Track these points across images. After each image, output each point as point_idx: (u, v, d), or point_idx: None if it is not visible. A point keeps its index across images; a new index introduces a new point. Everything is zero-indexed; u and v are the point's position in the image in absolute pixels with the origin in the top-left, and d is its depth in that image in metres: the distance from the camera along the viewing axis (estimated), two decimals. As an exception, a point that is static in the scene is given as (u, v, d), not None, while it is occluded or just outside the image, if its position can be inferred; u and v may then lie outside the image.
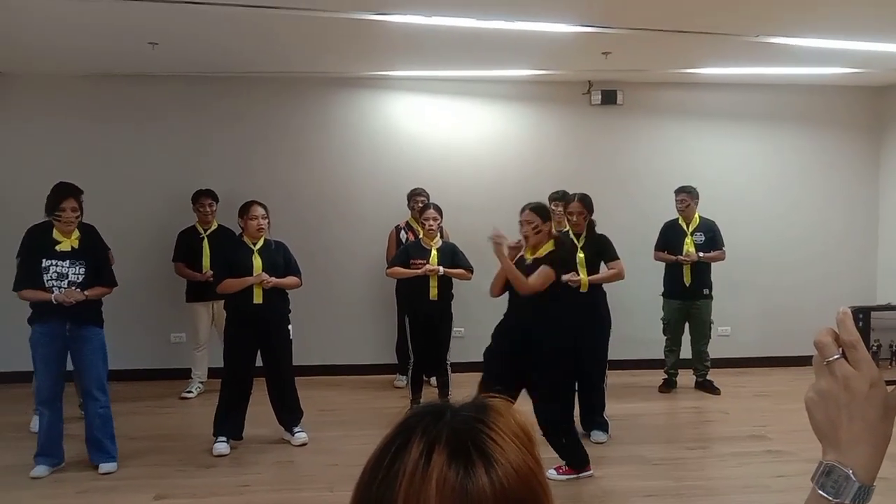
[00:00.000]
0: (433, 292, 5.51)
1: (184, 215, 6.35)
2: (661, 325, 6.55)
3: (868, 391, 0.76)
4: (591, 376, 5.26)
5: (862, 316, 0.79)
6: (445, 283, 5.57)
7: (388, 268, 5.75)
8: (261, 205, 5.10)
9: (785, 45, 5.47)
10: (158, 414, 5.91)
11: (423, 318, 5.60)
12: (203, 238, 6.21)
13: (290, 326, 5.17)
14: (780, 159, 7.52)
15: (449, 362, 5.73)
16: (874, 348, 0.79)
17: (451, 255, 5.57)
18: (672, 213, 6.54)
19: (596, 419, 5.23)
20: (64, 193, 4.51)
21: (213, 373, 6.14)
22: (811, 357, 0.80)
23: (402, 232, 6.48)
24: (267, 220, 5.10)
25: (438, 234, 5.63)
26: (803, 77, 7.02)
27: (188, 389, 6.31)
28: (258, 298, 4.97)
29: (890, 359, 0.80)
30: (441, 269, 5.45)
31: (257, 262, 4.99)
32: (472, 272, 5.58)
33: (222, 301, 5.36)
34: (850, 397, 0.77)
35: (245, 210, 5.08)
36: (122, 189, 6.72)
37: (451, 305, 5.68)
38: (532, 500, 0.71)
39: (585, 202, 5.26)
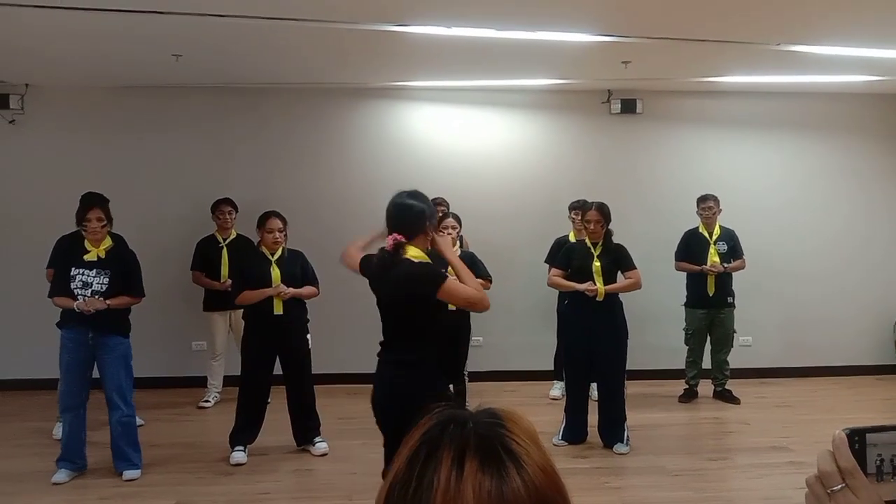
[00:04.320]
0: None
1: (206, 225, 6.41)
2: (682, 335, 6.50)
3: None
4: (610, 387, 5.25)
5: (858, 438, 0.79)
6: None
7: None
8: (279, 217, 5.12)
9: (806, 52, 5.43)
10: (179, 422, 5.96)
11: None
12: (222, 247, 6.25)
13: (308, 336, 5.19)
14: (801, 168, 7.45)
15: (466, 372, 5.70)
16: (877, 462, 0.79)
17: (470, 265, 5.51)
18: (692, 222, 6.50)
19: (617, 431, 5.20)
20: (88, 204, 4.59)
21: (228, 381, 6.17)
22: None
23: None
24: (284, 234, 5.12)
25: (458, 244, 5.62)
26: (824, 85, 6.96)
27: (205, 399, 6.35)
28: (278, 309, 4.99)
29: (892, 474, 0.79)
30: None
31: (275, 272, 5.01)
32: (490, 281, 5.56)
33: (240, 311, 5.40)
34: None
35: (262, 222, 5.12)
36: (145, 199, 6.80)
37: (469, 316, 5.60)
38: (560, 496, 0.74)
39: (603, 211, 5.23)
